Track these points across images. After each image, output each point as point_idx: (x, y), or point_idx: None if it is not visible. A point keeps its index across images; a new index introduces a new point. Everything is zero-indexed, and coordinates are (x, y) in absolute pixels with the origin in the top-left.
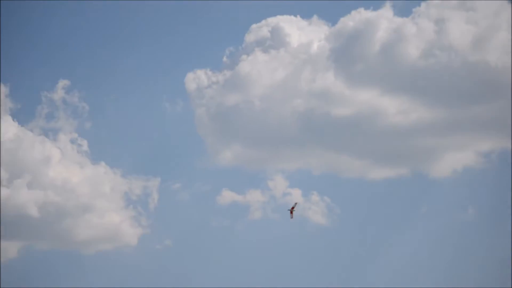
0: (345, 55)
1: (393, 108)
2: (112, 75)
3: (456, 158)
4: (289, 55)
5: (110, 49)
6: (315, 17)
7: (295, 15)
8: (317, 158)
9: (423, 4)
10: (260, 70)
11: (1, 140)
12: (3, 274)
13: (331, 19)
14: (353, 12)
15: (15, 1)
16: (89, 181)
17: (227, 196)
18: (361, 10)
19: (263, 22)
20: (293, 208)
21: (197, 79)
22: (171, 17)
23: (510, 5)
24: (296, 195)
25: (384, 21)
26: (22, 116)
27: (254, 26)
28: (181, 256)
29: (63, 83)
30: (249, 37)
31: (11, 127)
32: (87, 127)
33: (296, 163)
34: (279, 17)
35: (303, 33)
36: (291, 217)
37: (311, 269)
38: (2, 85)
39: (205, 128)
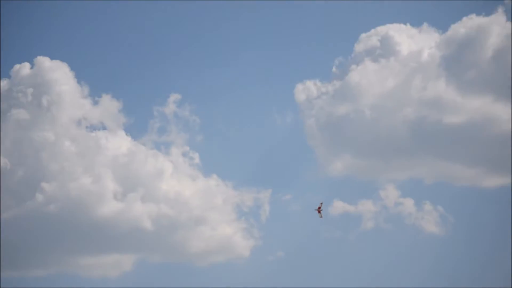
0: (457, 62)
1: (507, 115)
2: (221, 87)
3: None
4: (399, 63)
5: (220, 62)
6: (425, 24)
7: (405, 24)
8: (429, 167)
9: None
10: (370, 79)
11: (115, 154)
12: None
13: (442, 26)
14: (464, 19)
15: (124, 26)
16: (201, 194)
17: (339, 206)
18: (473, 16)
19: (373, 31)
20: (319, 207)
21: (306, 90)
22: (280, 29)
23: None
24: (408, 204)
25: (496, 26)
26: (135, 131)
27: (363, 35)
28: (294, 267)
29: (174, 97)
30: (359, 47)
31: (124, 142)
32: (198, 140)
33: (407, 172)
34: (388, 26)
35: (413, 41)
36: (320, 217)
37: (426, 279)
38: (115, 100)
39: (315, 139)
